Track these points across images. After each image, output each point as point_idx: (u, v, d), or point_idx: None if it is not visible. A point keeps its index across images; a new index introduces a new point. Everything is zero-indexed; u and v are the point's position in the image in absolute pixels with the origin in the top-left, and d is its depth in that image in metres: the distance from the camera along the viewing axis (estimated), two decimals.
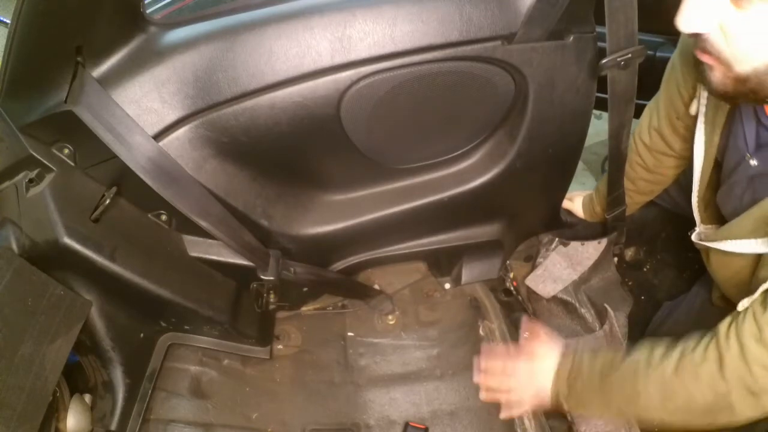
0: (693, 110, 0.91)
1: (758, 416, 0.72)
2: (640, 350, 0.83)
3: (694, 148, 0.92)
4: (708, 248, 0.93)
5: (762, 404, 0.70)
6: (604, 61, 0.90)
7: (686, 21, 0.61)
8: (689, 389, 0.74)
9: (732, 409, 0.71)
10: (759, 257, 0.77)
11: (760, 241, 0.74)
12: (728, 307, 0.99)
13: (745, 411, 0.71)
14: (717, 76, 0.64)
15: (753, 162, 0.79)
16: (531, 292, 1.44)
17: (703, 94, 0.88)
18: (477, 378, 1.03)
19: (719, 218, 0.96)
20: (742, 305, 0.72)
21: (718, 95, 0.68)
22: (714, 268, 0.96)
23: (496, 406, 1.28)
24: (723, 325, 0.74)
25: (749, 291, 0.72)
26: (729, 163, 0.87)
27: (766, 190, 0.78)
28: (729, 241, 0.82)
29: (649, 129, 1.12)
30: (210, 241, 1.09)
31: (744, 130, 0.80)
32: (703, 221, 1.01)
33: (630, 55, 0.88)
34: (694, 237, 1.00)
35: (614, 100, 0.97)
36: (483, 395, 1.03)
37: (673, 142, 1.08)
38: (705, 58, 0.64)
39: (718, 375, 0.71)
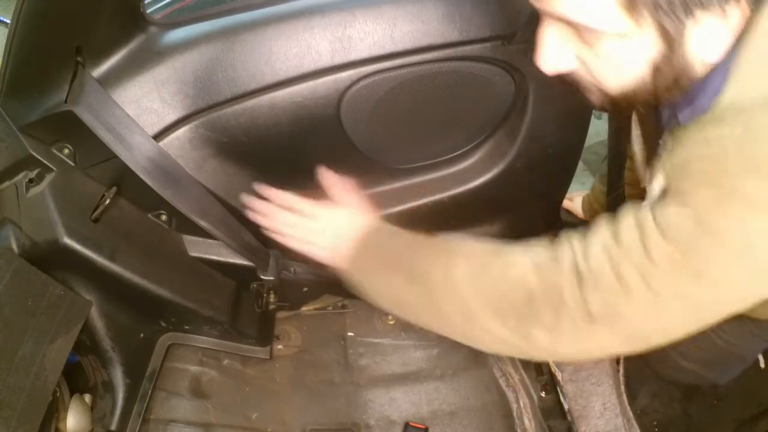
0: None
1: (586, 341, 0.57)
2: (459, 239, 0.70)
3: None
4: None
5: (593, 303, 0.55)
6: None
7: (545, 63, 0.60)
8: (512, 273, 0.61)
9: (559, 304, 0.56)
10: None
11: None
12: None
13: (572, 311, 0.56)
14: (595, 96, 0.63)
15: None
16: None
17: None
18: (252, 203, 0.87)
19: None
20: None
21: (601, 110, 0.66)
22: None
23: (497, 406, 1.28)
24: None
25: None
26: None
27: None
28: None
29: None
30: (210, 241, 1.09)
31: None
32: None
33: None
34: None
35: None
36: (255, 216, 0.87)
37: None
38: (579, 85, 0.63)
39: (550, 257, 0.59)
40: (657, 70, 0.54)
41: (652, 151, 0.77)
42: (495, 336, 0.62)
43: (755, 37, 0.50)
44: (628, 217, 0.55)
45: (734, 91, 0.51)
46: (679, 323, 0.55)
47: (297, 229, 0.84)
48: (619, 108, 0.63)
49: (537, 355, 0.63)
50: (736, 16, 0.50)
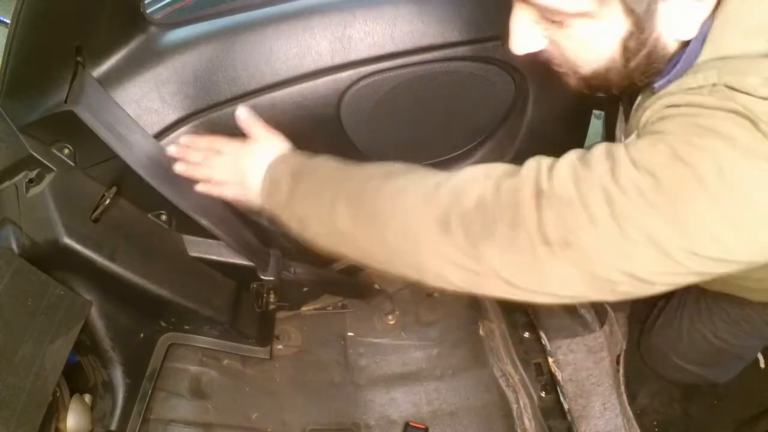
0: None
1: (541, 271, 0.51)
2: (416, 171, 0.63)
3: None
4: None
5: (552, 225, 0.49)
6: None
7: (517, 45, 0.59)
8: (464, 182, 0.56)
9: (515, 218, 0.51)
10: None
11: None
12: (718, 300, 0.99)
13: (529, 230, 0.50)
14: (571, 79, 0.62)
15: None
16: None
17: None
18: (172, 150, 0.84)
19: None
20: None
21: (579, 93, 0.64)
22: None
23: (497, 406, 1.28)
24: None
25: None
26: None
27: None
28: None
29: None
30: (210, 241, 1.09)
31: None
32: None
33: None
34: None
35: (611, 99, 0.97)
36: (179, 168, 0.83)
37: None
38: (555, 67, 0.63)
39: (507, 174, 0.55)
40: (627, 49, 0.53)
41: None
42: (441, 257, 0.54)
43: (730, 3, 0.49)
44: (599, 147, 0.51)
45: (710, 52, 0.50)
46: (645, 268, 0.48)
47: (219, 167, 0.79)
48: (595, 90, 0.61)
49: (490, 286, 0.54)
50: None
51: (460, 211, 0.53)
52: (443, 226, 0.54)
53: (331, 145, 1.03)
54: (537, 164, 0.53)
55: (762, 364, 1.22)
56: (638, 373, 1.29)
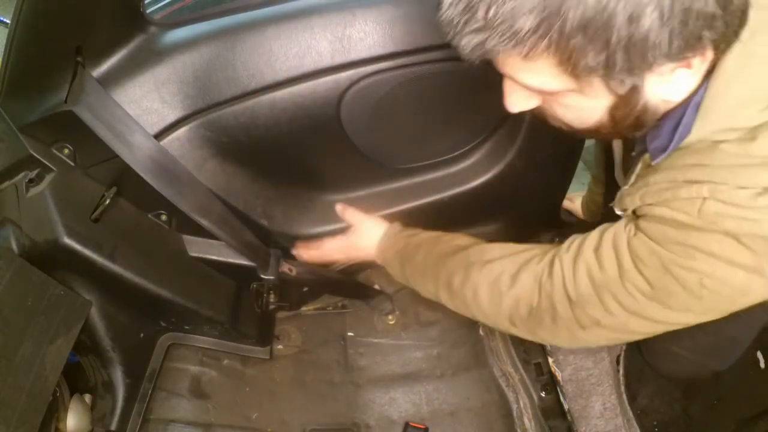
0: None
1: (578, 339, 0.74)
2: (475, 246, 0.87)
3: None
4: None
5: (582, 317, 0.70)
6: None
7: (511, 107, 0.64)
8: (519, 293, 0.76)
9: (554, 316, 0.72)
10: None
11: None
12: None
13: (566, 321, 0.72)
14: (563, 130, 0.67)
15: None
16: None
17: None
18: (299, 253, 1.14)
19: None
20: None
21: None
22: None
23: (497, 406, 1.29)
24: (568, 240, 0.74)
25: None
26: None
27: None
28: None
29: None
30: (210, 241, 1.09)
31: None
32: None
33: None
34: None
35: None
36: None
37: None
38: (548, 119, 0.68)
39: (546, 275, 0.73)
40: (614, 116, 0.58)
41: (628, 154, 0.85)
42: (510, 331, 0.81)
43: (722, 72, 0.52)
44: (607, 243, 0.67)
45: (704, 124, 0.55)
46: (643, 332, 0.69)
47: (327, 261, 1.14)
48: (588, 137, 0.69)
49: (543, 342, 0.86)
50: (698, 62, 0.52)
51: (519, 316, 0.77)
52: (511, 322, 0.79)
53: (331, 145, 1.04)
54: (561, 271, 0.71)
55: (762, 365, 1.22)
56: (638, 373, 1.29)
